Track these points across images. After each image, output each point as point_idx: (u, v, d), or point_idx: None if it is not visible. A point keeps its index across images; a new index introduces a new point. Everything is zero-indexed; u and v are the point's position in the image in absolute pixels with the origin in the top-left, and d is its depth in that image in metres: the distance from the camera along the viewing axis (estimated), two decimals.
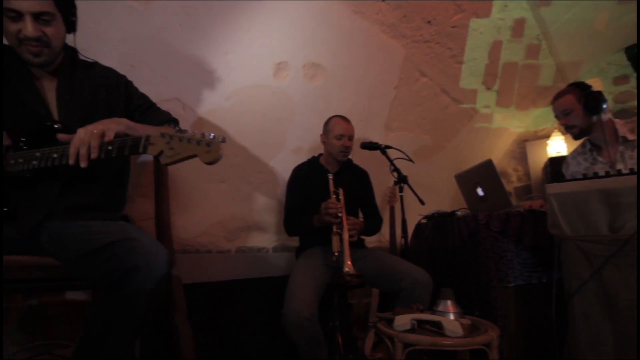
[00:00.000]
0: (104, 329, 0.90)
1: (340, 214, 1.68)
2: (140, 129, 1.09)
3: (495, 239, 1.69)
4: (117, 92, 1.25)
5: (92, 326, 0.92)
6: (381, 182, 2.55)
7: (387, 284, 1.79)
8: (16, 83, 1.12)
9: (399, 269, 1.72)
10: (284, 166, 2.34)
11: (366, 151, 2.04)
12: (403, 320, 1.34)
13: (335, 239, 1.65)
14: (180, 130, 0.93)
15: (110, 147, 0.97)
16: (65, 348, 1.64)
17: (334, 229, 1.67)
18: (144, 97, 1.33)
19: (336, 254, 1.61)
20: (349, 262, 1.54)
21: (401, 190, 1.94)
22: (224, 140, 0.92)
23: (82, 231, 1.01)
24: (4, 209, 1.03)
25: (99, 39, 1.33)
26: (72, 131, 1.09)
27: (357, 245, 1.98)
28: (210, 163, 0.91)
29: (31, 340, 1.61)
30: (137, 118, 1.25)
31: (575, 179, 1.33)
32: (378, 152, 2.01)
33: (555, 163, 2.99)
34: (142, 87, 1.39)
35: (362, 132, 2.57)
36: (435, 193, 3.13)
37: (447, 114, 2.90)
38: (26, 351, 1.57)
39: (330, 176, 1.85)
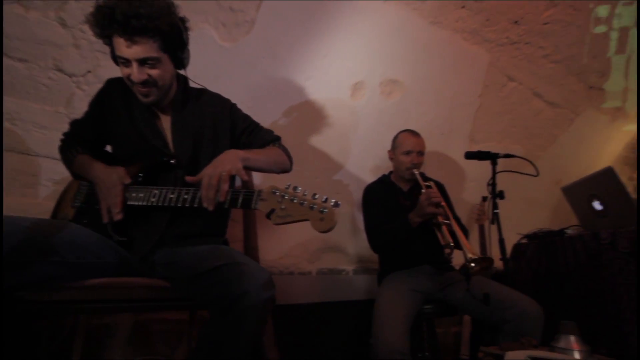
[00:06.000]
0: (215, 350, 0.93)
1: (442, 203, 1.58)
2: (253, 159, 1.14)
3: (625, 262, 1.42)
4: (223, 118, 1.29)
5: (203, 346, 0.95)
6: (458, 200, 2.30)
7: (486, 313, 1.59)
8: (138, 117, 1.21)
9: (503, 297, 1.53)
10: (362, 185, 2.29)
11: (447, 165, 1.88)
12: (516, 357, 1.16)
13: (444, 230, 1.57)
14: (294, 189, 0.92)
15: (223, 200, 1.01)
16: None
17: (440, 219, 1.58)
18: (247, 119, 1.35)
19: (451, 244, 1.54)
20: (469, 247, 1.47)
21: (496, 206, 1.75)
22: (337, 205, 0.88)
23: (192, 256, 1.07)
24: (124, 239, 1.14)
25: (196, 79, 1.46)
26: (183, 163, 1.19)
27: (444, 267, 1.82)
28: (323, 232, 0.88)
29: (136, 354, 1.75)
30: (243, 140, 1.32)
31: None
32: (452, 167, 1.84)
33: None
34: None
35: (443, 146, 2.42)
36: (532, 209, 2.80)
37: (541, 120, 2.61)
38: None
39: (416, 171, 1.79)
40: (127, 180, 1.13)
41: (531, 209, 2.75)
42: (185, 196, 1.08)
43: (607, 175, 1.57)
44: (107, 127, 1.24)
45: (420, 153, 1.88)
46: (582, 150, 2.88)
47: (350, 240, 2.38)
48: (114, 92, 1.24)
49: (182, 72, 1.28)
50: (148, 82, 1.12)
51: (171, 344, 1.82)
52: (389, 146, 2.17)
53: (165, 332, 1.82)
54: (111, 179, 1.11)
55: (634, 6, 2.14)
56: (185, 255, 1.08)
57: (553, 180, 2.76)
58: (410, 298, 1.65)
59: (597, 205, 1.66)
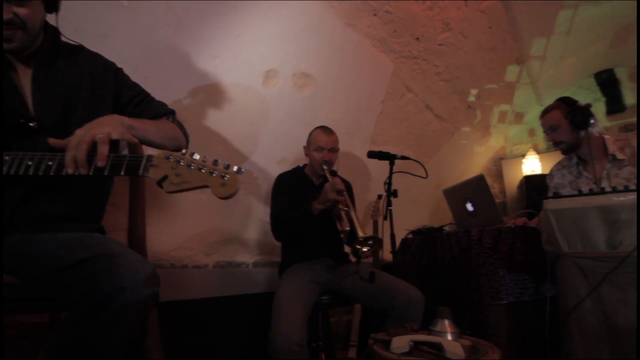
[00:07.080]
0: (81, 357, 0.77)
1: (344, 192, 1.70)
2: (141, 129, 0.96)
3: (488, 255, 1.68)
4: (104, 81, 1.10)
5: (65, 354, 0.78)
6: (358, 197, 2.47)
7: (377, 301, 1.72)
8: None
9: (392, 287, 1.66)
10: (267, 177, 2.25)
11: (349, 164, 1.98)
12: (401, 342, 1.27)
13: (343, 216, 1.70)
14: (192, 155, 0.82)
15: (102, 166, 0.83)
16: None
17: (340, 207, 1.71)
18: (136, 87, 1.18)
19: (347, 228, 1.66)
20: (361, 228, 1.61)
21: (390, 204, 1.90)
22: (240, 172, 0.82)
23: (52, 245, 0.87)
24: None
25: (77, 33, 1.21)
26: (47, 128, 0.97)
27: (342, 259, 1.91)
28: (224, 198, 0.80)
29: None
30: (130, 110, 1.13)
31: (573, 195, 1.34)
32: (355, 166, 1.96)
33: (530, 181, 3.09)
34: None
35: (347, 145, 2.52)
36: (417, 207, 3.14)
37: (429, 130, 2.94)
38: None
39: (325, 167, 1.88)
40: None
41: (416, 208, 3.09)
42: (50, 163, 0.86)
43: (479, 181, 1.84)
44: None
45: (333, 150, 1.93)
46: (458, 160, 3.35)
47: (251, 232, 2.31)
48: None
49: (55, 25, 1.06)
50: (13, 23, 0.91)
51: (26, 353, 1.50)
52: (298, 139, 2.16)
53: (17, 339, 1.50)
54: None
55: (517, 45, 2.57)
56: (42, 244, 0.88)
57: (434, 184, 3.14)
58: (309, 289, 1.68)
59: (469, 207, 1.93)
